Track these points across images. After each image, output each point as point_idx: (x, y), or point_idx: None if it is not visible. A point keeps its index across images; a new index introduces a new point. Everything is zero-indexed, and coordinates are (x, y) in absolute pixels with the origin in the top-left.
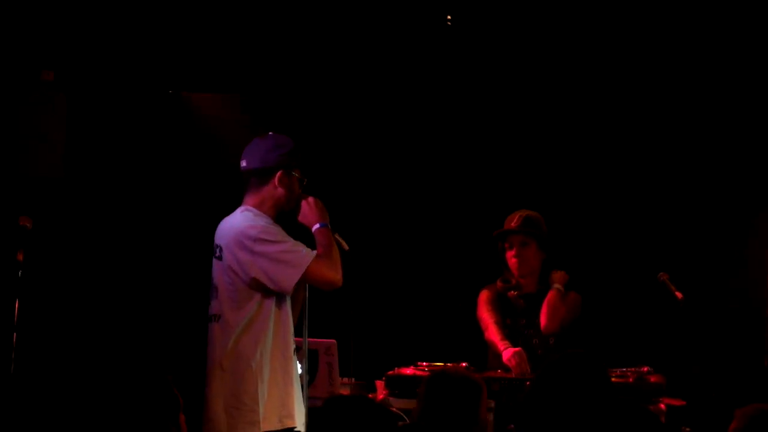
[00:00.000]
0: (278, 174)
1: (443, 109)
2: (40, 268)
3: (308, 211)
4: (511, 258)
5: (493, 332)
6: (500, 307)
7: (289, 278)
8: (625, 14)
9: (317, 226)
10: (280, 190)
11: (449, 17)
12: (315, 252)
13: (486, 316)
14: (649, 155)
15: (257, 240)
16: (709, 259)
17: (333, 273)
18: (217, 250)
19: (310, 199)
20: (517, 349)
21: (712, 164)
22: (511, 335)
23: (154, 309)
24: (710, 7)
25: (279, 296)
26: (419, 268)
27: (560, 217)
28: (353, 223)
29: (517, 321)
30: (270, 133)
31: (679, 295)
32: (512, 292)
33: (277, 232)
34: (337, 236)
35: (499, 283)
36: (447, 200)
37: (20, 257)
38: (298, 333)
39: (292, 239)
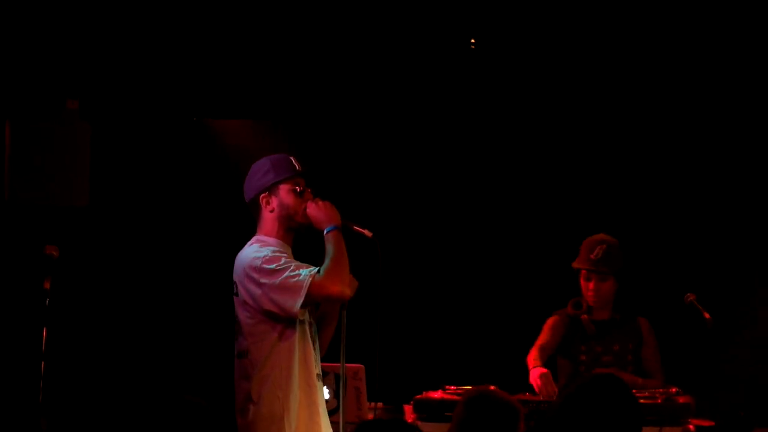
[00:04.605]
0: (261, 199)
1: (493, 132)
2: (67, 296)
3: (316, 215)
4: (588, 290)
5: (532, 352)
6: (571, 332)
7: (293, 304)
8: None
9: (325, 231)
10: (274, 212)
11: (473, 40)
12: (315, 270)
13: (540, 338)
14: (679, 175)
15: (261, 271)
16: (738, 279)
17: (335, 287)
18: (234, 287)
19: (317, 202)
20: (543, 370)
21: (741, 183)
22: (588, 362)
23: (179, 335)
24: None
25: (300, 324)
26: (446, 290)
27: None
28: (384, 245)
29: (592, 348)
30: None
31: (707, 315)
32: (584, 315)
33: (280, 259)
34: (356, 228)
35: (570, 309)
36: (476, 223)
37: (47, 286)
38: (327, 359)
39: (294, 262)
